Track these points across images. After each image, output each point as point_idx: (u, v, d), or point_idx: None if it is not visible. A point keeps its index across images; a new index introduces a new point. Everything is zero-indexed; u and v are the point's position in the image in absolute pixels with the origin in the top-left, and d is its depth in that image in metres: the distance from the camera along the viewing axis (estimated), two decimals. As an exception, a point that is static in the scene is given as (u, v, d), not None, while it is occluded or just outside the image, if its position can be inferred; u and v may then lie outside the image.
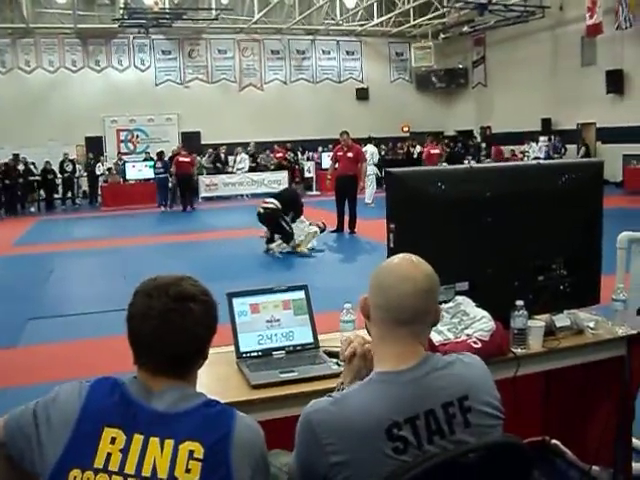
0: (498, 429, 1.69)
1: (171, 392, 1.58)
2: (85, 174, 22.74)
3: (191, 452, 1.50)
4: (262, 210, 10.72)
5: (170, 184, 19.97)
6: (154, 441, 1.51)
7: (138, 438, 1.51)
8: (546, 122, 23.34)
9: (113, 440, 1.51)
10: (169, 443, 1.51)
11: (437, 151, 19.14)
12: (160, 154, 20.80)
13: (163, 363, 1.60)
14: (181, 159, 19.14)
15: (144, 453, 1.50)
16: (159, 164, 20.31)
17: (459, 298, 2.71)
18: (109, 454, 1.50)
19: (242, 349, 2.68)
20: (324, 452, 1.57)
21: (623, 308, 3.10)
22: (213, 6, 23.32)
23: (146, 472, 1.49)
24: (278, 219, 10.56)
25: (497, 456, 1.61)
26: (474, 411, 1.65)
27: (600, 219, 3.10)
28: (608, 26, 19.33)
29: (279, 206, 10.59)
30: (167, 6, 22.34)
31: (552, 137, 22.37)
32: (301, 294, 2.83)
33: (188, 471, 1.48)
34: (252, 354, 2.69)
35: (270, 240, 10.90)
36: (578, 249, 3.04)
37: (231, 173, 22.63)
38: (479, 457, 1.55)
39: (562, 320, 2.98)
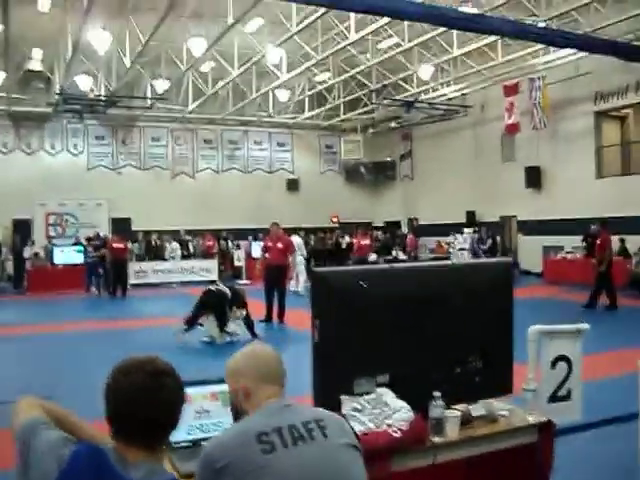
0: (359, 459, 2.06)
1: (144, 465, 1.72)
2: (11, 257, 22.27)
3: None
4: (215, 289, 11.13)
5: (101, 270, 19.84)
6: None
7: None
8: (470, 214, 24.24)
9: None
10: None
11: (367, 242, 19.61)
12: (90, 238, 20.93)
13: (138, 433, 1.75)
14: (115, 245, 19.22)
15: None
16: (91, 247, 20.35)
17: (380, 390, 2.87)
18: None
19: (172, 439, 2.74)
20: (215, 466, 1.90)
21: (533, 397, 3.31)
22: (148, 95, 23.69)
23: None
24: (224, 305, 10.81)
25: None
26: (330, 429, 2.03)
27: (511, 315, 3.35)
28: (525, 126, 20.60)
29: (229, 296, 10.89)
30: (102, 93, 22.57)
31: (476, 229, 23.19)
32: (230, 386, 2.92)
33: None
34: (182, 444, 2.76)
35: (189, 327, 10.88)
36: (491, 343, 3.26)
37: (163, 260, 22.61)
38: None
39: (478, 409, 3.16)
